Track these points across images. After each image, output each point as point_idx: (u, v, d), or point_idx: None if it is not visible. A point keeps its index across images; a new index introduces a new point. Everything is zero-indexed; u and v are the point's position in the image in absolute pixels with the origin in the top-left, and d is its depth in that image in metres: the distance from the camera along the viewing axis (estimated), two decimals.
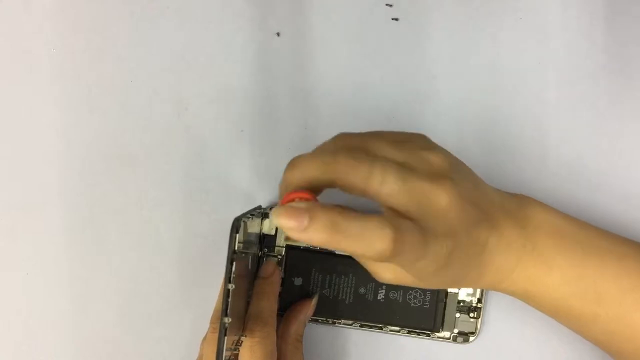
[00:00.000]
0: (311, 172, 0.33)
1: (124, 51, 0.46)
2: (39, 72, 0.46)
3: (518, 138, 0.45)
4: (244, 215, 0.37)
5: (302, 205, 0.31)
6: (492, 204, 0.37)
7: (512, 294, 0.38)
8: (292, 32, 0.46)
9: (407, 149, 0.35)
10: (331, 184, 0.33)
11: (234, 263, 0.34)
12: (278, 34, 0.46)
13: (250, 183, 0.45)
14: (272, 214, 0.30)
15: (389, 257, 0.31)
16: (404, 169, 0.33)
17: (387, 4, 0.46)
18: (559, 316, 0.39)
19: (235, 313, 0.38)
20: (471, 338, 0.44)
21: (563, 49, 0.45)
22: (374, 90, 0.46)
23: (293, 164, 0.34)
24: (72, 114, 0.46)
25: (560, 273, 0.37)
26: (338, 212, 0.30)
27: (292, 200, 0.33)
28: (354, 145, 0.35)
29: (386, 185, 0.32)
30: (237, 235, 0.35)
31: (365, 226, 0.30)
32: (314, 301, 0.44)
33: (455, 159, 0.36)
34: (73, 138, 0.46)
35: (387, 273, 0.36)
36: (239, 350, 0.38)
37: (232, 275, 0.34)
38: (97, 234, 0.45)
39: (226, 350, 0.34)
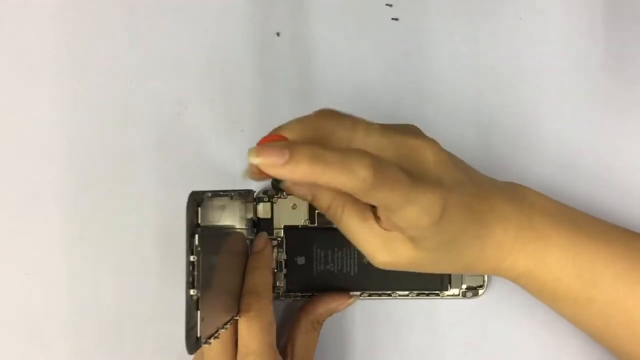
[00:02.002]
0: (295, 133, 0.33)
1: (124, 51, 0.46)
2: (39, 72, 0.46)
3: (518, 138, 0.45)
4: (205, 191, 0.36)
5: (280, 143, 0.30)
6: (482, 181, 0.37)
7: (517, 277, 0.38)
8: (292, 32, 0.46)
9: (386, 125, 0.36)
10: (316, 140, 0.33)
11: (197, 236, 0.33)
12: (278, 34, 0.46)
13: (249, 183, 0.45)
14: (249, 154, 0.29)
15: (372, 186, 0.30)
16: (387, 127, 0.34)
17: (387, 4, 0.46)
18: (558, 300, 0.38)
19: (229, 292, 0.38)
20: (480, 291, 0.44)
21: (563, 49, 0.45)
22: (373, 90, 0.46)
23: (276, 130, 0.34)
24: (72, 114, 0.46)
25: (558, 252, 0.37)
26: (317, 145, 0.30)
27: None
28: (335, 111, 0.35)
29: (371, 137, 0.33)
30: (199, 209, 0.34)
31: (346, 154, 0.30)
32: (351, 301, 0.44)
33: None
34: (73, 138, 0.46)
35: (383, 254, 0.35)
36: (226, 328, 0.37)
37: (197, 249, 0.33)
38: (97, 234, 0.45)
39: (205, 327, 0.34)
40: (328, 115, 0.34)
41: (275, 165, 0.29)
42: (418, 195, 0.32)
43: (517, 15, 0.46)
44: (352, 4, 0.46)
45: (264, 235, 0.43)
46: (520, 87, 0.45)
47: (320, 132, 0.33)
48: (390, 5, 0.46)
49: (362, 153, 0.30)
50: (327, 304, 0.43)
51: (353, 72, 0.46)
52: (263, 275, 0.41)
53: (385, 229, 0.35)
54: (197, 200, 0.34)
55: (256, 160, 0.29)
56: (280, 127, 0.34)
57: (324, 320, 0.44)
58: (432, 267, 0.36)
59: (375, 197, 0.31)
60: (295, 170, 0.29)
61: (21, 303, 0.45)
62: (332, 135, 0.33)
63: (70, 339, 0.45)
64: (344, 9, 0.46)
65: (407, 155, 0.33)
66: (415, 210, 0.32)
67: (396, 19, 0.46)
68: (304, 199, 0.36)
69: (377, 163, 0.30)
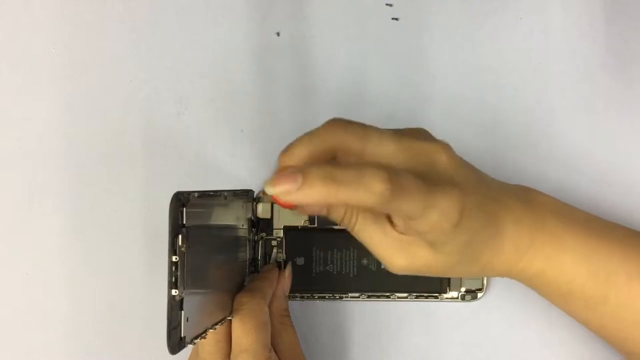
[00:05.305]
0: (308, 147, 0.33)
1: (124, 51, 0.46)
2: (39, 72, 0.46)
3: (518, 138, 0.45)
4: (191, 192, 0.36)
5: (292, 168, 0.30)
6: (494, 183, 0.37)
7: (529, 278, 0.38)
8: (292, 32, 0.46)
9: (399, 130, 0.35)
10: (329, 151, 0.33)
11: (180, 236, 0.33)
12: (278, 34, 0.46)
13: (250, 183, 0.45)
14: (266, 186, 0.30)
15: (389, 199, 0.30)
16: (399, 133, 0.33)
17: (387, 4, 0.46)
18: (571, 301, 0.38)
19: (223, 291, 0.38)
20: (479, 295, 0.44)
21: (563, 49, 0.45)
22: (374, 90, 0.46)
23: (288, 149, 0.33)
24: (72, 114, 0.46)
25: (571, 253, 0.37)
26: (330, 164, 0.30)
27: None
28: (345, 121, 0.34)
29: (384, 144, 0.32)
30: (184, 209, 0.34)
31: (360, 170, 0.30)
32: (287, 272, 0.43)
33: None
34: (73, 138, 0.46)
35: (400, 258, 0.35)
36: (215, 329, 0.37)
37: (181, 249, 0.33)
38: (97, 234, 0.45)
39: (190, 327, 0.34)
40: (338, 125, 0.33)
41: (290, 191, 0.29)
42: (436, 200, 0.32)
43: (517, 15, 0.46)
44: (352, 4, 0.46)
45: (289, 267, 0.44)
46: (520, 87, 0.45)
47: (331, 144, 0.33)
48: (391, 5, 0.46)
49: (375, 167, 0.30)
50: (274, 296, 0.42)
51: (353, 71, 0.46)
52: (263, 284, 0.41)
53: (401, 234, 0.34)
54: (181, 200, 0.34)
55: (272, 191, 0.29)
56: (290, 145, 0.33)
57: (286, 309, 0.43)
58: (448, 270, 0.36)
59: (394, 208, 0.31)
60: (310, 194, 0.29)
61: (21, 303, 0.45)
62: (343, 146, 0.33)
63: (70, 338, 0.45)
64: (343, 9, 0.46)
65: (421, 161, 0.33)
66: (435, 215, 0.32)
67: (396, 19, 0.46)
68: (321, 215, 0.35)
69: (392, 175, 0.30)
